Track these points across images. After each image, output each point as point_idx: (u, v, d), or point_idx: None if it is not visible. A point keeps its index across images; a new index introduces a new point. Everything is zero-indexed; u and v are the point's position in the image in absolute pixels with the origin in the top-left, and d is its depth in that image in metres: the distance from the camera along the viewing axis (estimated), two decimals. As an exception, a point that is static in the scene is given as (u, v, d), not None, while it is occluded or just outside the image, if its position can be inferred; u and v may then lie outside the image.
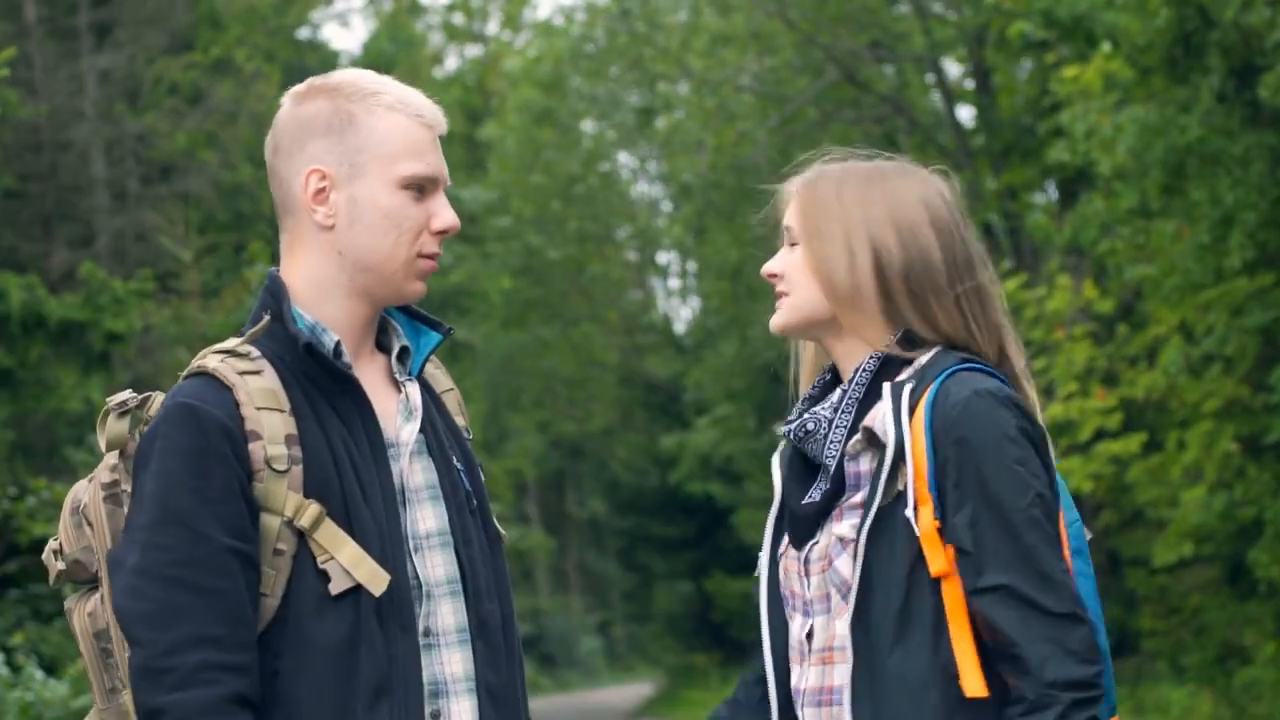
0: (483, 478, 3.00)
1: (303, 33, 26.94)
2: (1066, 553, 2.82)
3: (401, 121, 2.84)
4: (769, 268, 2.95)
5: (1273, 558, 13.63)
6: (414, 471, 2.87)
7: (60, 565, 2.86)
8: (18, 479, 13.57)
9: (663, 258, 35.59)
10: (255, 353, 2.81)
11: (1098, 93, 14.08)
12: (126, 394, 2.87)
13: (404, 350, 2.95)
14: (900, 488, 2.76)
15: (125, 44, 19.77)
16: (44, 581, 13.19)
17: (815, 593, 2.85)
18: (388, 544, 2.77)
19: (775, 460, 2.99)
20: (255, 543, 2.72)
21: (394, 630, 2.75)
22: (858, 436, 2.82)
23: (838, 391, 2.89)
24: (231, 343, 2.84)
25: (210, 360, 2.80)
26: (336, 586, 2.72)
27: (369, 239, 2.84)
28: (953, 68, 22.60)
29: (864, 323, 2.88)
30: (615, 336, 32.96)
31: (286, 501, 2.74)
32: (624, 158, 31.56)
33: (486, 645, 2.85)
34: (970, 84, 22.05)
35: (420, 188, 2.85)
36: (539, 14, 56.22)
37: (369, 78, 2.90)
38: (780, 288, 2.93)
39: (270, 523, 2.74)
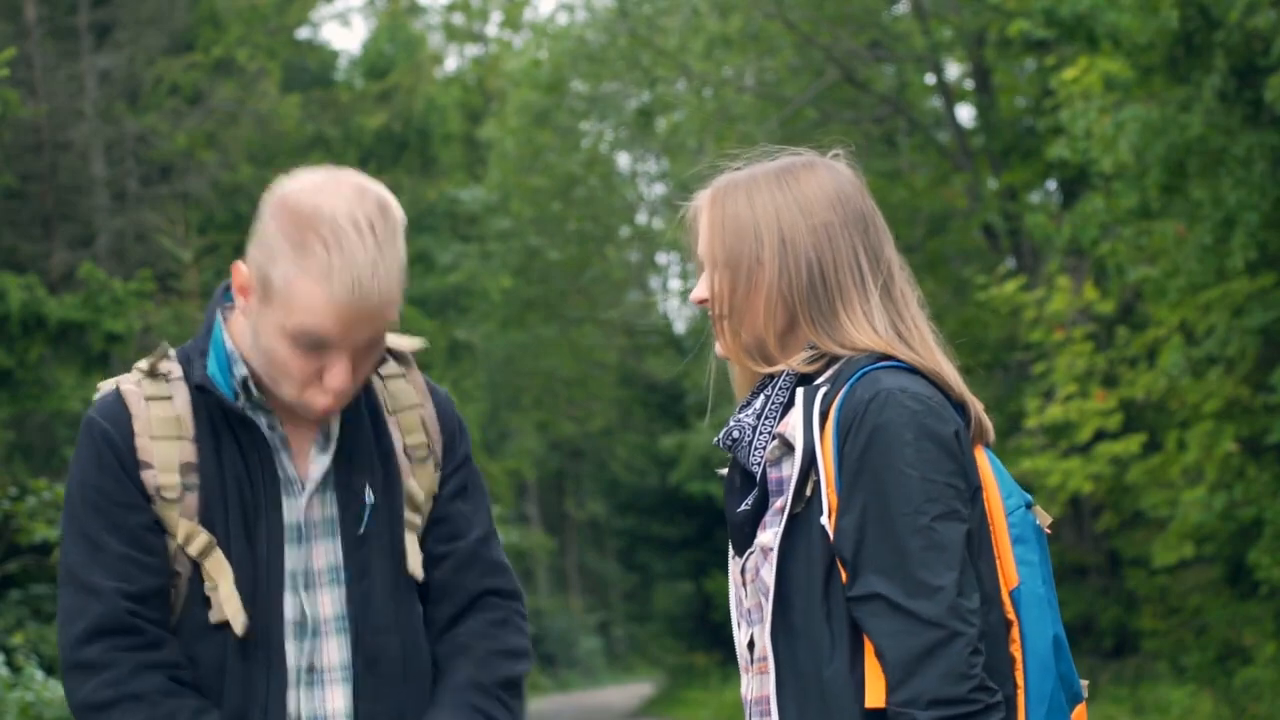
0: (419, 496, 2.96)
1: (303, 32, 26.95)
2: (1005, 543, 2.75)
3: (311, 291, 2.73)
4: (697, 295, 2.89)
5: (1273, 559, 13.62)
6: (315, 506, 2.88)
7: None
8: (18, 479, 13.56)
9: (663, 258, 35.59)
10: (176, 374, 2.86)
11: (1098, 93, 14.08)
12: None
13: None
14: (809, 493, 2.71)
15: (125, 44, 19.76)
16: (44, 582, 13.19)
17: (751, 601, 2.82)
18: (262, 583, 2.80)
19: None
20: (154, 553, 2.79)
21: (256, 667, 2.80)
22: (775, 443, 2.78)
23: (760, 398, 2.84)
24: (160, 361, 2.89)
25: (130, 379, 2.88)
26: (214, 617, 2.79)
27: (263, 360, 2.83)
28: (953, 68, 22.59)
29: (793, 342, 2.84)
30: (615, 336, 32.95)
31: (179, 527, 2.80)
32: (624, 158, 31.59)
33: (377, 679, 2.85)
34: (970, 84, 22.04)
35: (314, 346, 2.78)
36: (539, 14, 56.21)
37: (331, 226, 2.75)
38: (712, 312, 2.88)
39: (170, 545, 2.81)
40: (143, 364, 2.89)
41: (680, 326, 35.42)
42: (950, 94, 21.57)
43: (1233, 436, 14.19)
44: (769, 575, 2.74)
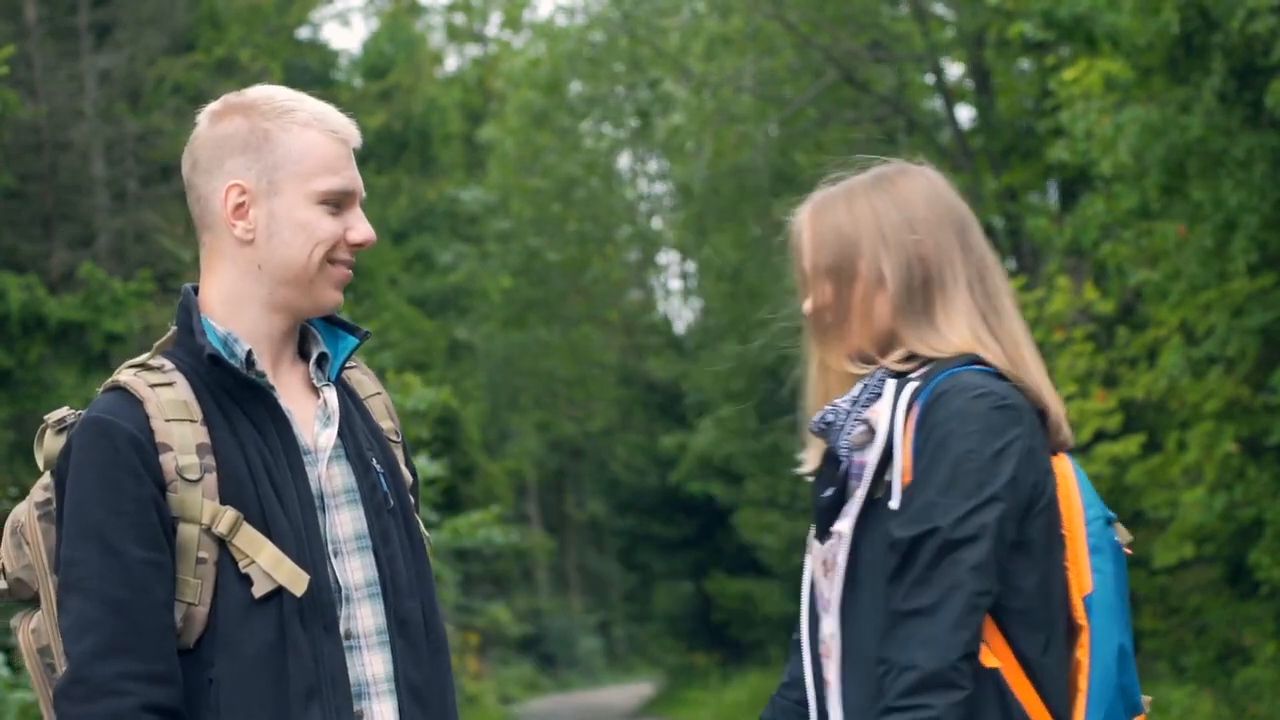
0: (409, 479, 3.03)
1: (303, 32, 26.94)
2: (1082, 550, 2.81)
3: (316, 138, 2.90)
4: (807, 308, 2.99)
5: (1274, 559, 13.63)
6: (332, 476, 2.90)
7: (2, 585, 2.91)
8: (18, 479, 13.56)
9: (663, 258, 35.61)
10: (168, 365, 2.87)
11: (1098, 94, 14.07)
12: (65, 411, 2.95)
13: (323, 356, 2.98)
14: (888, 480, 2.78)
15: (125, 44, 19.76)
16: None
17: (831, 592, 2.87)
18: (306, 548, 2.80)
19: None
20: (170, 553, 2.77)
21: (318, 632, 2.79)
22: (861, 428, 2.85)
23: (859, 386, 2.92)
24: (144, 357, 2.91)
25: (123, 374, 2.87)
26: (259, 589, 2.76)
27: (287, 252, 2.88)
28: (952, 68, 22.59)
29: (892, 344, 2.92)
30: (615, 337, 32.96)
31: (203, 509, 2.77)
32: (624, 159, 31.58)
33: (407, 644, 2.88)
34: (970, 84, 22.04)
35: (336, 202, 2.90)
36: (539, 14, 56.21)
37: (283, 94, 2.98)
38: (818, 321, 2.97)
39: (189, 532, 2.77)
40: (133, 361, 2.91)
41: (680, 327, 35.45)
42: (950, 94, 21.58)
43: (1233, 437, 14.19)
44: (842, 558, 2.81)
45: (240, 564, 2.77)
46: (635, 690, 35.55)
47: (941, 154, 21.60)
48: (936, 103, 22.49)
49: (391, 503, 2.93)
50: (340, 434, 2.92)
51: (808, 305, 2.98)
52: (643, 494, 36.58)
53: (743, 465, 28.80)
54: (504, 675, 33.79)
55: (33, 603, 2.91)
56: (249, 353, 2.86)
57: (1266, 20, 11.26)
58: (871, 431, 2.84)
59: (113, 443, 2.78)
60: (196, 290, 2.96)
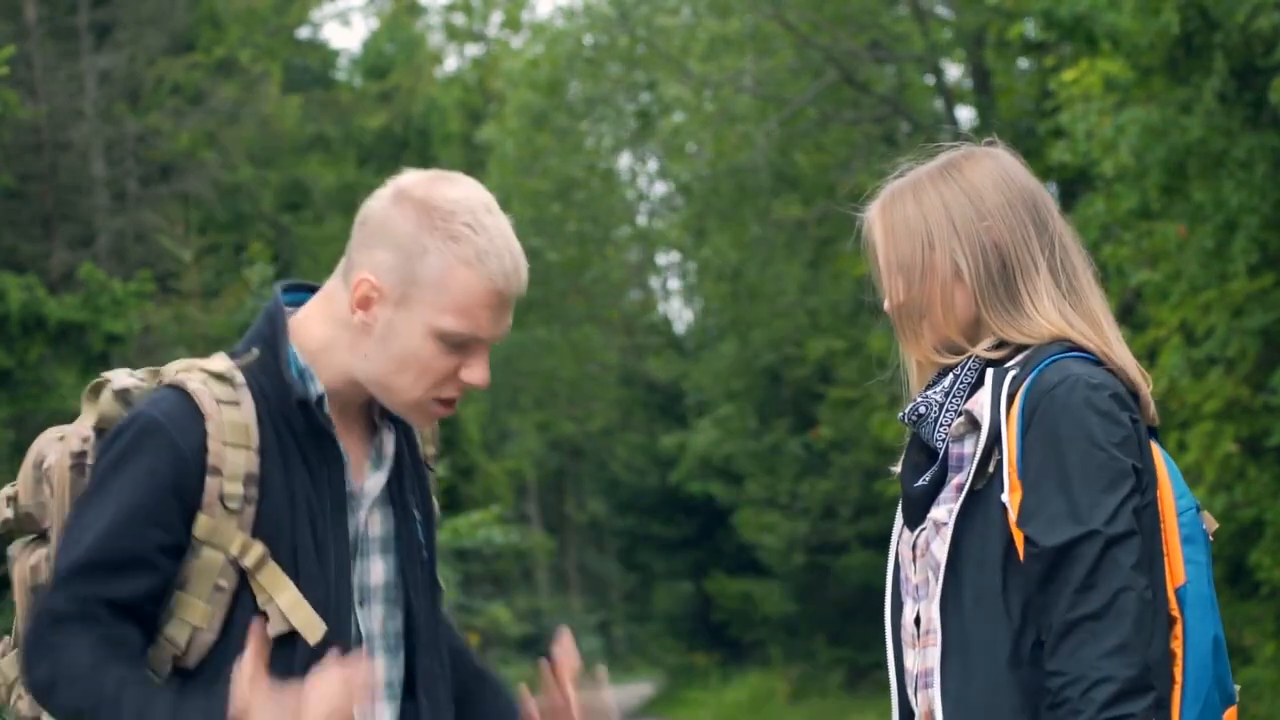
0: (436, 513, 2.97)
1: (303, 32, 26.93)
2: (1175, 541, 2.80)
3: (467, 277, 2.75)
4: (887, 305, 2.96)
5: (1274, 559, 13.63)
6: (372, 523, 2.84)
7: (9, 513, 2.86)
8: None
9: (663, 258, 35.61)
10: (240, 380, 2.78)
11: (1098, 95, 14.07)
12: (128, 380, 2.85)
13: None
14: (992, 470, 2.78)
15: (125, 44, 19.76)
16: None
17: (919, 577, 2.88)
18: (333, 597, 2.74)
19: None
20: (163, 568, 2.71)
21: None
22: (960, 419, 2.85)
23: (949, 377, 2.90)
24: (221, 364, 2.80)
25: (194, 379, 2.77)
26: (273, 629, 2.70)
27: (392, 366, 2.78)
28: (952, 68, 22.59)
29: (978, 333, 2.91)
30: (615, 337, 32.96)
31: (234, 539, 2.71)
32: (624, 159, 31.57)
33: (427, 698, 2.84)
34: (970, 84, 22.04)
35: (460, 345, 2.79)
36: (539, 14, 56.21)
37: (470, 214, 2.77)
38: (898, 317, 2.96)
39: (214, 558, 2.72)
40: (213, 364, 2.80)
41: (680, 327, 35.45)
42: (950, 95, 21.57)
43: (1233, 437, 14.19)
44: (940, 550, 2.81)
45: (259, 599, 2.72)
46: (635, 690, 35.55)
47: (941, 154, 21.59)
48: (937, 103, 22.48)
49: (425, 554, 2.87)
50: (391, 478, 2.86)
51: (887, 303, 2.96)
52: (643, 494, 36.59)
53: (743, 465, 28.81)
54: (504, 675, 33.78)
55: (37, 537, 2.86)
56: (321, 396, 2.79)
57: (1271, 16, 11.25)
58: (973, 422, 2.82)
59: (158, 456, 2.71)
60: (291, 290, 2.90)
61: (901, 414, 2.94)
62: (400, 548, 2.84)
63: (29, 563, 2.83)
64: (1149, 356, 15.87)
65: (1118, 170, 13.13)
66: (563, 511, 43.34)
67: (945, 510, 2.83)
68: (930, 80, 22.29)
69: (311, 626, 2.71)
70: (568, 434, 36.44)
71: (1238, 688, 2.88)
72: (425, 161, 26.95)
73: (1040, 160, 18.91)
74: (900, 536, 2.95)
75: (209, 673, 2.72)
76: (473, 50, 39.95)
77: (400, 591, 2.84)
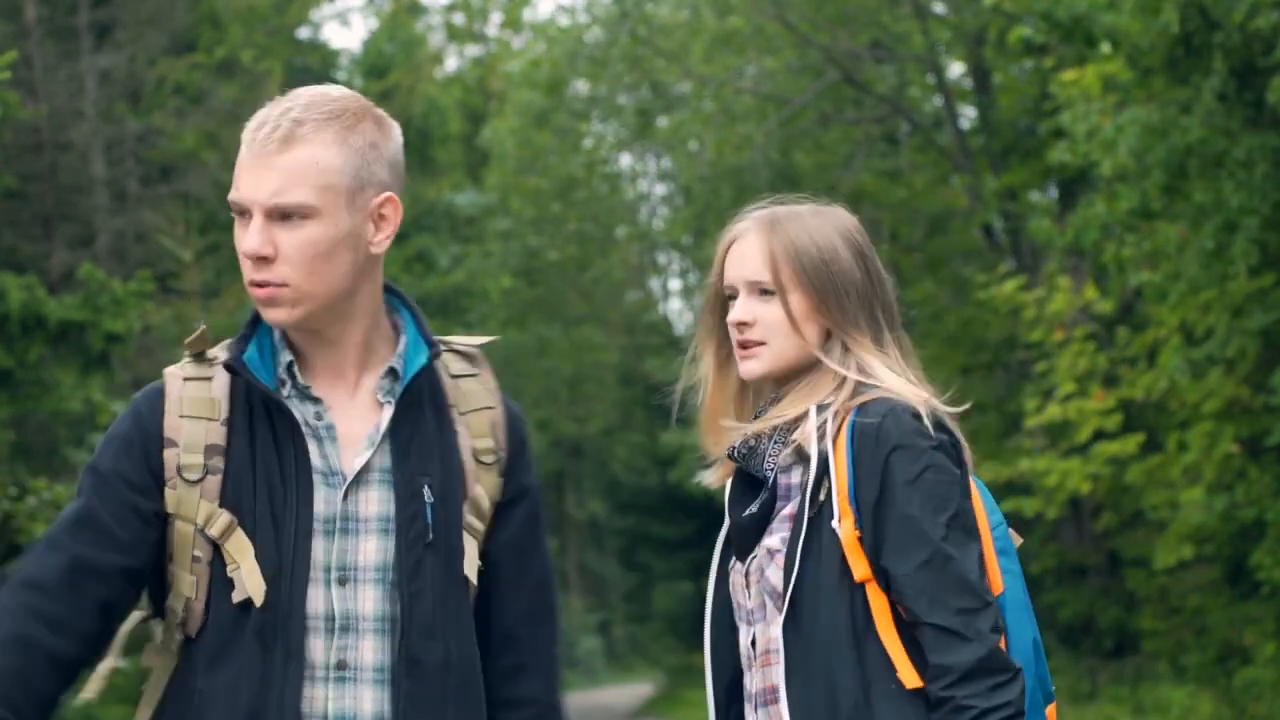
0: (486, 503, 2.91)
1: (303, 32, 26.94)
2: (991, 554, 2.95)
3: (242, 148, 2.82)
4: (739, 317, 3.04)
5: (1276, 560, 13.63)
6: (366, 501, 2.81)
7: None
8: (18, 479, 13.56)
9: (663, 258, 35.60)
10: (220, 358, 2.84)
11: (1097, 95, 14.07)
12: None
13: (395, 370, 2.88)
14: (823, 499, 2.91)
15: (125, 44, 19.77)
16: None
17: (754, 602, 2.99)
18: (285, 573, 2.74)
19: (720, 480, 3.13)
20: (137, 537, 2.77)
21: (275, 657, 2.74)
22: (788, 451, 2.97)
23: (771, 410, 3.04)
24: (218, 346, 2.89)
25: (179, 363, 2.88)
26: (237, 595, 2.74)
27: None
28: (953, 68, 22.59)
29: (833, 359, 3.03)
30: (615, 336, 32.97)
31: (199, 509, 2.76)
32: (625, 158, 31.57)
33: (419, 685, 2.79)
34: (970, 84, 22.04)
35: (241, 213, 2.80)
36: (539, 14, 56.22)
37: (284, 98, 2.87)
38: (751, 335, 3.03)
39: (185, 530, 2.77)
40: (214, 348, 2.87)
41: (680, 327, 35.43)
42: (950, 94, 21.57)
43: (1233, 437, 14.20)
44: (775, 575, 2.93)
45: (229, 567, 2.75)
46: (635, 690, 35.55)
47: (941, 154, 21.61)
48: (937, 102, 22.49)
49: (431, 536, 2.82)
50: (394, 458, 2.82)
51: (738, 315, 3.06)
52: (643, 494, 36.60)
53: (743, 465, 28.78)
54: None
55: None
56: (290, 363, 2.82)
57: (1269, 16, 11.25)
58: (799, 454, 2.96)
59: (127, 425, 2.82)
60: None
61: (730, 448, 3.05)
62: (400, 529, 2.80)
63: None
64: (1149, 357, 15.88)
65: (1117, 170, 13.13)
66: (563, 511, 43.36)
67: (779, 539, 2.94)
68: (931, 80, 22.30)
69: (257, 591, 2.73)
70: (568, 434, 36.45)
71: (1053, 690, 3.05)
72: (425, 161, 26.98)
73: (1040, 160, 18.94)
74: (731, 565, 3.06)
75: (206, 639, 2.76)
76: (473, 50, 39.97)
77: (398, 574, 2.81)
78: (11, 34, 17.42)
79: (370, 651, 2.78)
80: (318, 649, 2.77)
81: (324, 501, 2.79)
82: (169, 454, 2.77)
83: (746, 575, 3.00)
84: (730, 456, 3.04)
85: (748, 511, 3.01)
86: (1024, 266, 19.77)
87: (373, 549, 2.80)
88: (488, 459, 2.93)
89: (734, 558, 3.05)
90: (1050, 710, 3.02)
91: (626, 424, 36.42)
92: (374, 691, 2.78)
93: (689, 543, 35.17)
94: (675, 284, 37.58)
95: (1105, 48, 12.99)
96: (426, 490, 2.83)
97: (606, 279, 31.29)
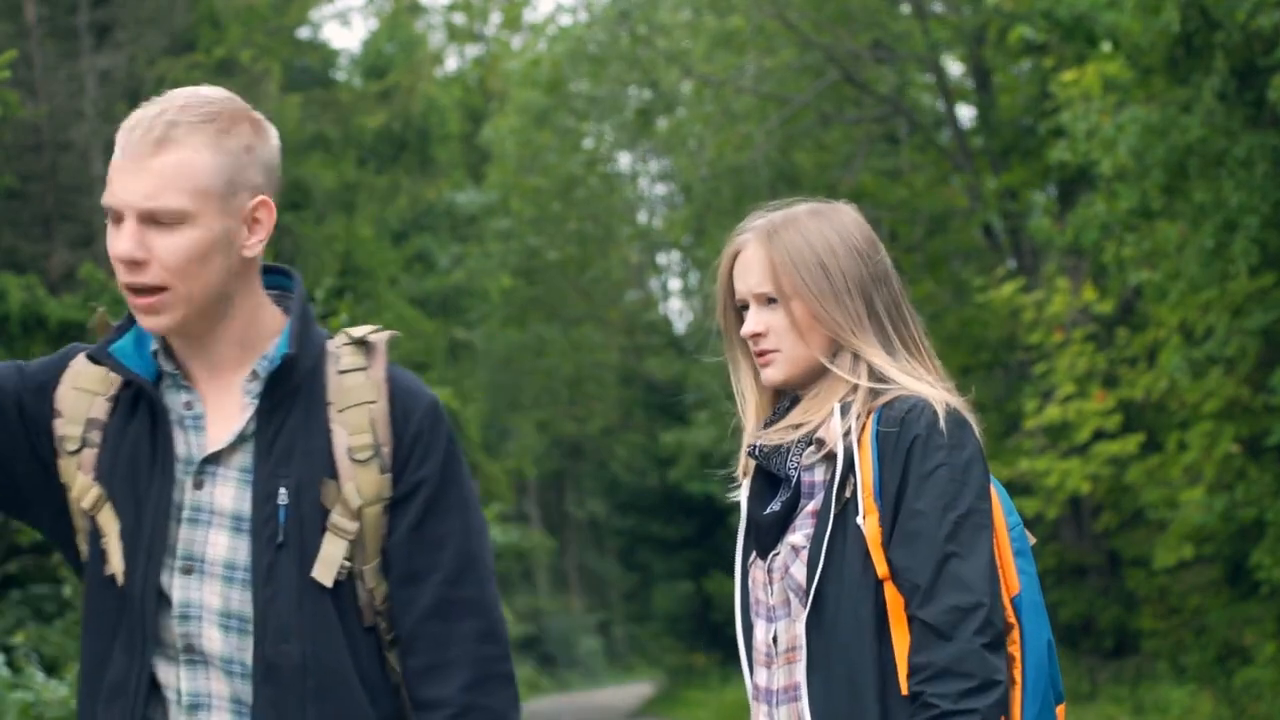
0: (356, 501, 2.81)
1: (303, 32, 26.93)
2: (1008, 555, 2.98)
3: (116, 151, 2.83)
4: (751, 329, 3.09)
5: (1276, 559, 13.63)
6: (221, 496, 2.79)
7: None
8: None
9: (663, 258, 35.61)
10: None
11: (1097, 94, 14.07)
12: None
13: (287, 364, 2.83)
14: (849, 496, 2.94)
15: (125, 44, 19.76)
16: (44, 581, 13.18)
17: (777, 598, 3.02)
18: (141, 553, 2.77)
19: (745, 481, 3.17)
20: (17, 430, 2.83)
21: (135, 632, 2.78)
22: (812, 448, 3.01)
23: (797, 409, 3.09)
24: (95, 325, 2.95)
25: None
26: (107, 569, 2.80)
27: None
28: (953, 68, 22.59)
29: (843, 366, 3.07)
30: (615, 336, 32.97)
31: (75, 480, 2.83)
32: (625, 158, 31.58)
33: (277, 689, 2.76)
34: (970, 84, 22.04)
35: (116, 219, 2.78)
36: (539, 14, 56.22)
37: (167, 96, 2.92)
38: (765, 345, 3.08)
39: (72, 498, 2.85)
40: (93, 333, 2.96)
41: (680, 327, 35.45)
42: (950, 94, 21.58)
43: (1233, 437, 14.20)
44: (799, 572, 2.97)
45: (102, 540, 2.80)
46: (635, 690, 35.56)
47: (941, 153, 21.61)
48: (937, 102, 22.49)
49: (282, 538, 2.76)
50: (256, 458, 2.78)
51: (751, 327, 3.10)
52: (643, 494, 36.59)
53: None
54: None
55: None
56: (155, 351, 2.84)
57: (1271, 15, 11.24)
58: (822, 451, 2.99)
59: (46, 364, 2.90)
60: (269, 272, 2.98)
61: (751, 445, 3.11)
62: (256, 530, 2.77)
63: None
64: (1149, 357, 15.88)
65: (1117, 170, 13.13)
66: (563, 511, 43.35)
67: (803, 536, 2.98)
68: (931, 79, 22.30)
69: (119, 567, 2.78)
70: (568, 433, 36.46)
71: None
72: (425, 161, 26.97)
73: (1040, 160, 18.94)
74: (751, 561, 3.09)
75: (89, 607, 2.83)
76: (473, 50, 39.99)
77: (252, 576, 2.78)
78: (11, 34, 17.41)
79: (217, 642, 2.77)
80: (170, 630, 2.79)
81: (180, 490, 2.80)
82: (56, 423, 2.84)
83: (769, 572, 3.03)
84: (751, 455, 3.10)
85: (770, 509, 3.05)
86: (1024, 267, 19.77)
87: (222, 544, 2.78)
88: (363, 455, 2.81)
89: (754, 554, 3.08)
90: (1060, 710, 3.04)
91: (626, 424, 36.42)
92: (225, 680, 2.78)
93: (689, 543, 35.17)
94: (675, 284, 37.63)
95: (1106, 47, 12.99)
96: (282, 492, 2.78)
97: (606, 279, 31.29)
